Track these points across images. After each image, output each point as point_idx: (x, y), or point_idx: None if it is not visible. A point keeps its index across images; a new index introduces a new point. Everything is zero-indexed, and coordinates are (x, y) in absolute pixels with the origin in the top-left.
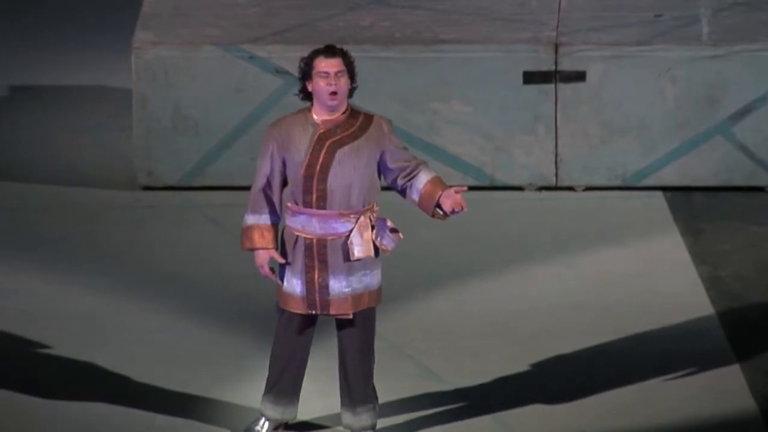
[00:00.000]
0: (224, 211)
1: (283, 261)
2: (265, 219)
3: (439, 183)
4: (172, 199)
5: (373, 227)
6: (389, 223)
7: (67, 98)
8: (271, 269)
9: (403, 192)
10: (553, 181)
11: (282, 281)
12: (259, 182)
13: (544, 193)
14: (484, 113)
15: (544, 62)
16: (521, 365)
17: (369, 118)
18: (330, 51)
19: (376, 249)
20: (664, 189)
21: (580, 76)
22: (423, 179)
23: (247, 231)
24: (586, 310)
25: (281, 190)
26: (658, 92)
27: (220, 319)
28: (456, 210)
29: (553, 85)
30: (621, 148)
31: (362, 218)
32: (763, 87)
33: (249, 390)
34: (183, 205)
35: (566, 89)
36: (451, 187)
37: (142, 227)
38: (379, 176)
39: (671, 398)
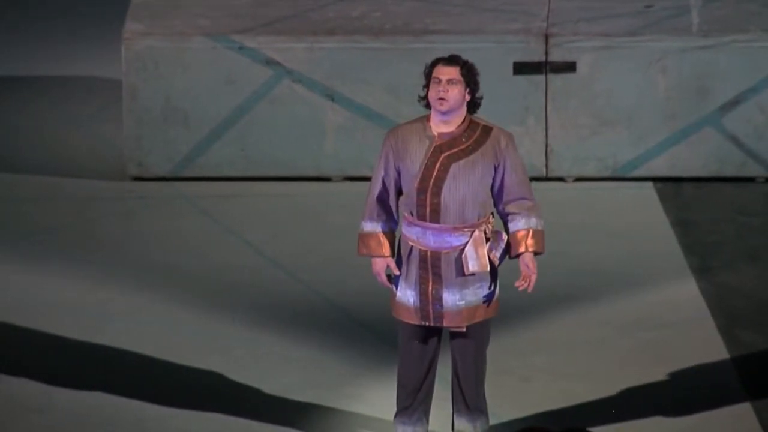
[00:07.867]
0: (214, 202)
1: (398, 272)
2: (382, 226)
3: (526, 239)
4: (162, 190)
5: (488, 240)
6: (504, 237)
7: (57, 89)
8: (388, 276)
9: (500, 216)
10: (543, 172)
11: (396, 290)
12: (375, 188)
13: (534, 184)
14: None
15: (534, 53)
16: (506, 351)
17: (487, 131)
18: (449, 60)
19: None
20: (654, 180)
21: (570, 67)
22: (519, 225)
23: (363, 238)
24: (576, 301)
25: (397, 198)
26: (649, 83)
27: (211, 310)
28: (520, 287)
29: (543, 76)
30: (611, 138)
31: (477, 232)
32: (754, 77)
33: (238, 380)
34: (173, 196)
35: (556, 80)
36: (535, 253)
37: (132, 218)
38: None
39: (660, 388)
